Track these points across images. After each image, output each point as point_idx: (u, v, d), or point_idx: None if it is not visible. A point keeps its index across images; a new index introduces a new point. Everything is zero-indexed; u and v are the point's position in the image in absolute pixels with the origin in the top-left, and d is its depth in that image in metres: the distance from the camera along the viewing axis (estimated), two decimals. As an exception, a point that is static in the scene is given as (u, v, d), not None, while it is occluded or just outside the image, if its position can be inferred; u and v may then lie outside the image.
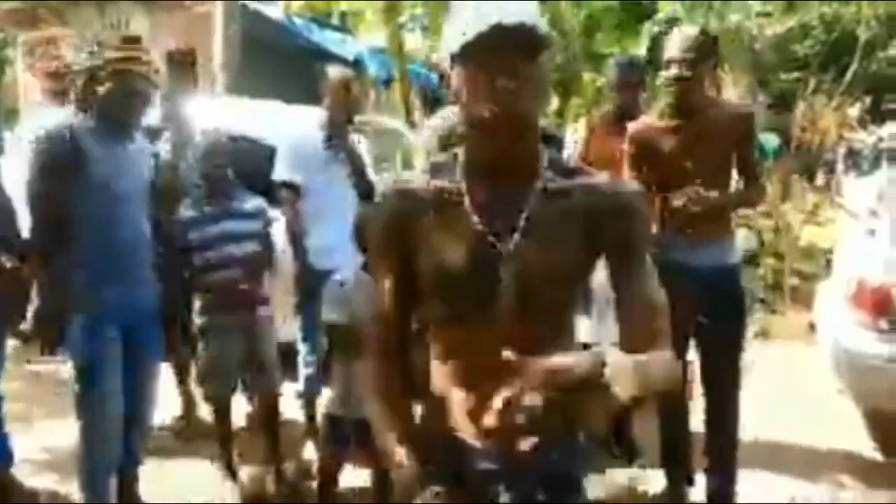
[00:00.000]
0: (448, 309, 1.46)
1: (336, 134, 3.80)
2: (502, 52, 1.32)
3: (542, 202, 1.42)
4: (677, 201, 2.99)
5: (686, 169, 3.01)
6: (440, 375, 1.49)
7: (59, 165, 2.74)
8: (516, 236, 1.40)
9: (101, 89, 2.78)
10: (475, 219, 1.41)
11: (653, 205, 3.11)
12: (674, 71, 2.97)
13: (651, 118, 3.22)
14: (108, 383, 2.84)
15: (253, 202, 3.50)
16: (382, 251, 1.51)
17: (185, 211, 3.43)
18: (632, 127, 3.22)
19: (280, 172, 3.77)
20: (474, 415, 1.40)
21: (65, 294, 2.79)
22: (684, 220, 3.00)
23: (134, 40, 2.82)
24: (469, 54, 1.35)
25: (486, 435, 1.36)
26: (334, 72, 3.88)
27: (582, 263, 1.46)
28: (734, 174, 3.21)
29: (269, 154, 3.93)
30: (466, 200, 1.43)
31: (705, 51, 2.96)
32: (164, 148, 3.98)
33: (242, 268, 3.39)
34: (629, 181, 1.60)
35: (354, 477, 3.30)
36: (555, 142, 3.56)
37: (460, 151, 1.48)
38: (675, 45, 2.98)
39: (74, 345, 2.83)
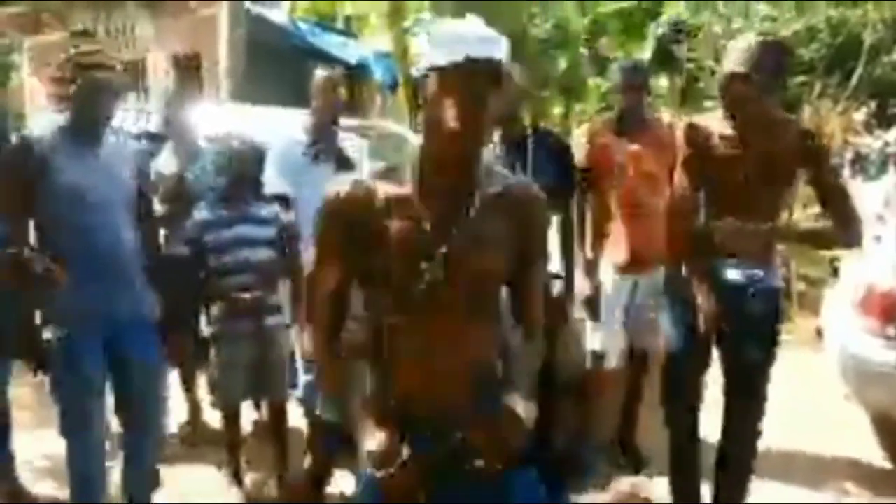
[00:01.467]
0: (394, 294, 1.66)
1: (321, 136, 3.77)
2: (471, 82, 1.56)
3: (475, 212, 1.66)
4: (717, 234, 2.82)
5: (738, 185, 2.87)
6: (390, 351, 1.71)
7: (14, 180, 2.69)
8: (454, 232, 1.63)
9: (70, 90, 2.73)
10: (421, 214, 1.64)
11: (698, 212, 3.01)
12: (731, 83, 2.79)
13: (713, 121, 3.02)
14: (85, 396, 2.77)
15: (268, 208, 3.49)
16: (338, 227, 1.70)
17: (200, 213, 3.42)
18: (690, 125, 3.06)
19: (269, 184, 3.73)
20: (417, 387, 1.67)
21: (40, 314, 2.73)
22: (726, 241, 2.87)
23: (83, 33, 2.78)
24: (442, 76, 1.57)
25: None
26: (321, 72, 3.86)
27: (505, 262, 1.69)
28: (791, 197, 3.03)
29: (260, 157, 3.90)
30: (416, 198, 1.65)
31: (767, 61, 2.73)
32: (165, 152, 3.99)
33: (256, 274, 3.38)
34: (530, 184, 1.79)
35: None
36: (563, 149, 3.54)
37: (413, 157, 1.69)
38: (731, 55, 2.80)
39: (51, 357, 2.76)
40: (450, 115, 1.56)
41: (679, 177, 3.05)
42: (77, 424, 2.78)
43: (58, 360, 2.74)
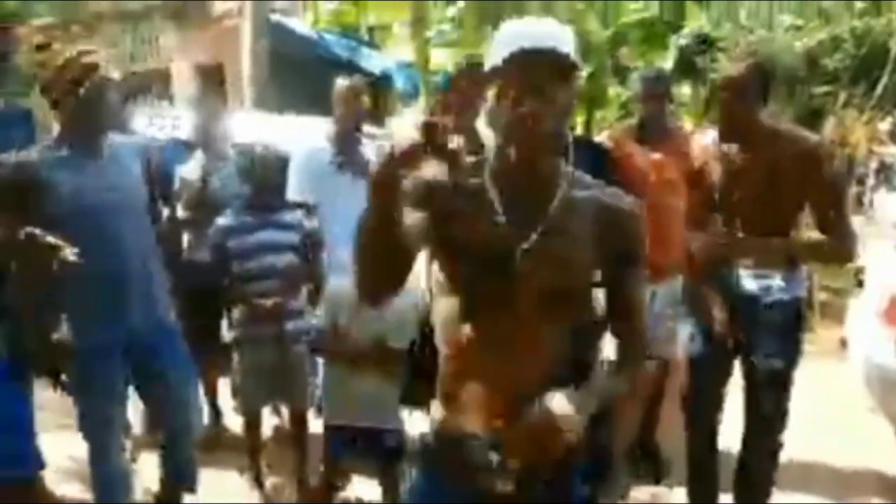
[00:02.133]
0: (465, 295, 1.59)
1: (345, 145, 3.79)
2: (529, 73, 1.50)
3: (558, 212, 1.58)
4: (696, 243, 2.90)
5: (737, 199, 2.91)
6: (457, 354, 1.61)
7: (10, 204, 2.61)
8: (534, 236, 1.56)
9: (61, 102, 2.65)
10: (500, 216, 1.57)
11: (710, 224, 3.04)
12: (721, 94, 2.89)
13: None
14: (104, 402, 2.78)
15: (292, 214, 3.52)
16: (411, 204, 1.57)
17: (224, 219, 3.46)
18: (702, 138, 3.13)
19: (292, 191, 3.76)
20: (485, 409, 1.56)
21: (55, 337, 2.71)
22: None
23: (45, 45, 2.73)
24: (500, 73, 1.53)
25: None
26: (342, 81, 3.88)
27: (587, 268, 1.62)
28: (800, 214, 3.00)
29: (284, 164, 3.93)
30: (493, 196, 1.58)
31: (752, 76, 2.83)
32: (192, 159, 4.04)
33: (280, 279, 3.41)
34: (625, 195, 1.68)
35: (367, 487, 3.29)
36: (599, 153, 3.52)
37: (490, 157, 1.62)
38: (723, 68, 2.93)
39: (69, 364, 2.75)
40: (512, 115, 1.51)
41: (692, 189, 3.06)
42: (97, 427, 2.80)
43: (76, 369, 2.74)
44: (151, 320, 2.84)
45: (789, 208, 2.93)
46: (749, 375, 3.04)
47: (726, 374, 3.11)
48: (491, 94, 1.56)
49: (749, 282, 2.96)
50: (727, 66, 2.93)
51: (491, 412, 1.55)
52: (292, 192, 3.69)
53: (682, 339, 3.20)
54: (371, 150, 4.03)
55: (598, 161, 3.44)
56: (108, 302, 2.72)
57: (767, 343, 2.95)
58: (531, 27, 1.56)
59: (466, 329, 1.58)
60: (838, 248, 2.89)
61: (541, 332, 1.58)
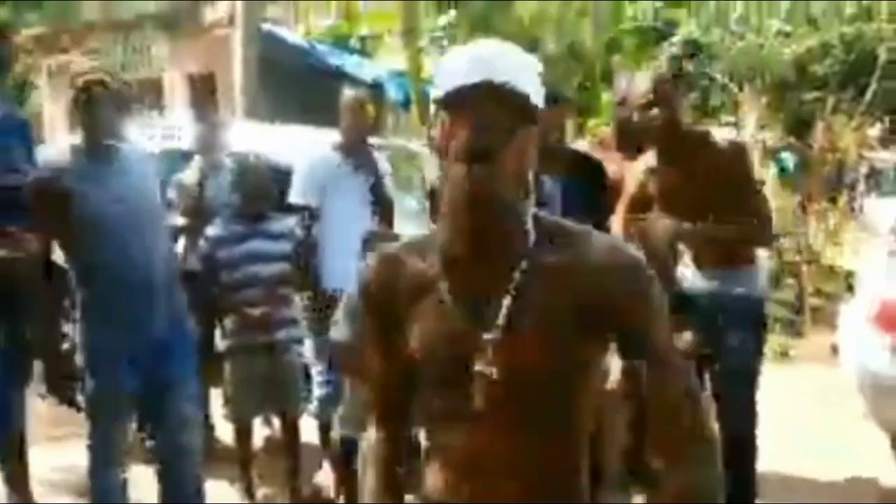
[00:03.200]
0: (434, 398, 1.32)
1: (351, 154, 3.81)
2: (475, 118, 1.17)
3: (530, 282, 1.23)
4: (653, 232, 2.97)
5: (681, 203, 2.99)
6: (433, 467, 1.35)
7: (45, 206, 2.72)
8: (500, 323, 1.23)
9: (75, 109, 2.74)
10: (452, 307, 1.25)
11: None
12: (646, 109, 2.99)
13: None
14: (111, 412, 2.78)
15: (282, 223, 3.52)
16: (369, 312, 1.38)
17: (213, 229, 3.46)
18: (642, 156, 3.21)
19: (295, 195, 3.79)
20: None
21: (71, 350, 2.75)
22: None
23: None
24: (445, 110, 1.21)
25: None
26: (349, 92, 3.91)
27: (582, 351, 1.26)
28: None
29: (284, 177, 3.95)
30: (443, 286, 1.26)
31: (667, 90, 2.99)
32: (189, 167, 4.05)
33: (267, 288, 3.40)
34: (627, 245, 1.35)
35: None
36: (596, 169, 3.50)
37: (438, 227, 1.28)
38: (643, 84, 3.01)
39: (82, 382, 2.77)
40: (455, 167, 1.19)
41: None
42: (103, 439, 2.79)
43: (87, 378, 2.74)
44: (167, 332, 2.82)
45: (720, 205, 3.05)
46: (713, 378, 3.07)
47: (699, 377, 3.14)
48: (433, 133, 1.24)
49: (701, 283, 3.02)
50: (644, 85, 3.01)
51: None
52: (295, 196, 3.72)
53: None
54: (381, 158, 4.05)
55: (596, 181, 3.42)
56: (123, 311, 2.72)
57: (724, 340, 3.00)
58: (479, 53, 1.21)
59: (443, 428, 1.32)
60: (763, 230, 3.11)
61: (522, 446, 1.26)
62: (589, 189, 3.33)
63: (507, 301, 1.23)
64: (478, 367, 1.24)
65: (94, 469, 2.82)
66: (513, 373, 1.23)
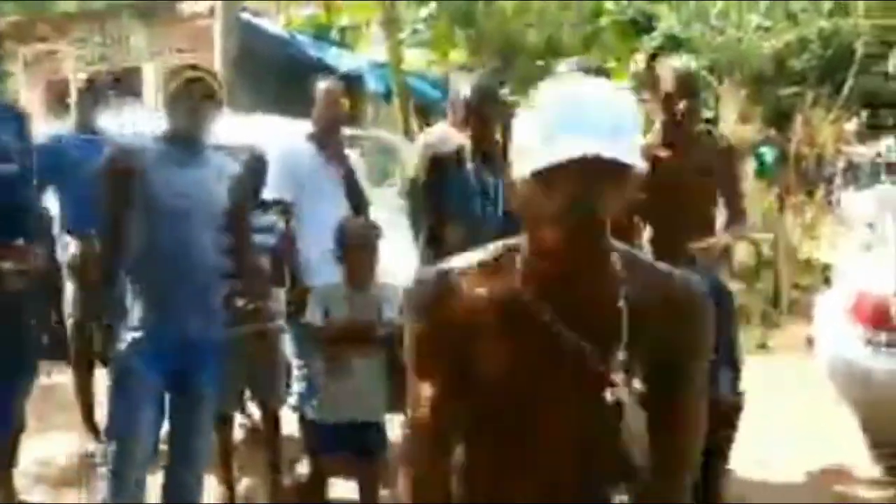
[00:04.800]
0: (506, 445, 1.23)
1: (323, 145, 3.78)
2: (585, 186, 1.09)
3: (626, 313, 1.19)
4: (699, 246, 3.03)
5: (671, 200, 3.02)
6: None
7: (116, 184, 2.69)
8: (620, 355, 1.17)
9: (170, 101, 2.74)
10: (566, 334, 1.18)
11: (637, 232, 3.15)
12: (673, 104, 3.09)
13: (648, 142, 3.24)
14: (137, 406, 2.68)
15: (267, 217, 3.50)
16: (431, 349, 1.25)
17: None
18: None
19: (269, 187, 3.74)
20: None
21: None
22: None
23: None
24: (548, 176, 1.10)
25: None
26: (322, 83, 3.87)
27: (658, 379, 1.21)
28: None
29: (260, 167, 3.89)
30: (546, 312, 1.18)
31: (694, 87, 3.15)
32: None
33: (254, 280, 3.39)
34: (695, 280, 1.28)
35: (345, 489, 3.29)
36: None
37: (517, 254, 1.22)
38: (668, 80, 3.13)
39: (112, 372, 2.74)
40: (556, 228, 1.12)
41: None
42: (124, 430, 2.70)
43: (116, 368, 2.70)
44: (205, 338, 2.78)
45: (712, 202, 3.21)
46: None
47: None
48: (522, 192, 1.16)
49: None
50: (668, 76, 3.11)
51: None
52: (270, 191, 3.66)
53: None
54: (351, 152, 4.03)
55: None
56: (173, 309, 2.68)
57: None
58: (593, 117, 1.09)
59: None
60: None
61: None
62: None
63: (618, 333, 1.18)
64: (609, 393, 1.17)
65: (115, 465, 2.71)
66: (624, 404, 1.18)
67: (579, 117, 1.09)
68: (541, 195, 1.12)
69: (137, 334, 2.67)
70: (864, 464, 3.95)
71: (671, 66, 3.31)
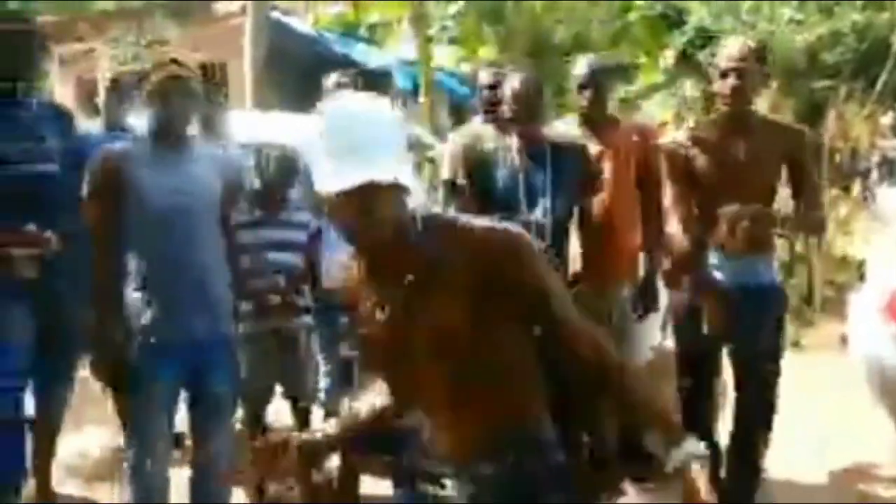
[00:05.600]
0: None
1: None
2: (359, 206, 1.45)
3: (422, 271, 1.54)
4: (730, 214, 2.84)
5: (731, 185, 2.91)
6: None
7: (103, 190, 2.66)
8: (400, 300, 1.56)
9: (147, 97, 2.69)
10: (369, 290, 1.63)
11: (694, 220, 3.04)
12: (728, 80, 2.92)
13: (695, 130, 3.17)
14: (152, 408, 2.67)
15: (300, 214, 3.54)
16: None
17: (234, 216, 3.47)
18: (671, 140, 3.18)
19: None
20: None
21: (122, 332, 2.65)
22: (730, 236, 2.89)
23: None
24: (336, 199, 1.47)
25: None
26: (331, 77, 3.83)
27: (470, 319, 1.53)
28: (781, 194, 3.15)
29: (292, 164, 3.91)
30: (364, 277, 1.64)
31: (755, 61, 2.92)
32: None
33: (283, 276, 3.43)
34: (499, 227, 1.62)
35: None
36: (578, 155, 3.42)
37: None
38: (725, 54, 2.95)
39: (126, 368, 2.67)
40: (350, 235, 1.53)
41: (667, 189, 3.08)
42: (143, 434, 2.69)
43: (131, 370, 2.65)
44: (215, 336, 2.75)
45: (772, 189, 3.05)
46: (736, 363, 3.06)
47: (717, 365, 3.13)
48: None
49: (733, 267, 2.97)
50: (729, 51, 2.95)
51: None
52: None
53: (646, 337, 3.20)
54: None
55: (578, 163, 3.33)
56: (179, 306, 2.66)
57: (753, 328, 2.96)
58: (360, 139, 1.46)
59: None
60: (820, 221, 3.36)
61: (442, 393, 1.64)
62: (576, 176, 3.23)
63: (403, 286, 1.58)
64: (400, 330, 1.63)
65: (135, 467, 2.70)
66: (418, 335, 1.62)
67: (349, 143, 1.44)
68: (336, 210, 1.48)
69: (146, 337, 2.65)
70: (891, 463, 3.89)
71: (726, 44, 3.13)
